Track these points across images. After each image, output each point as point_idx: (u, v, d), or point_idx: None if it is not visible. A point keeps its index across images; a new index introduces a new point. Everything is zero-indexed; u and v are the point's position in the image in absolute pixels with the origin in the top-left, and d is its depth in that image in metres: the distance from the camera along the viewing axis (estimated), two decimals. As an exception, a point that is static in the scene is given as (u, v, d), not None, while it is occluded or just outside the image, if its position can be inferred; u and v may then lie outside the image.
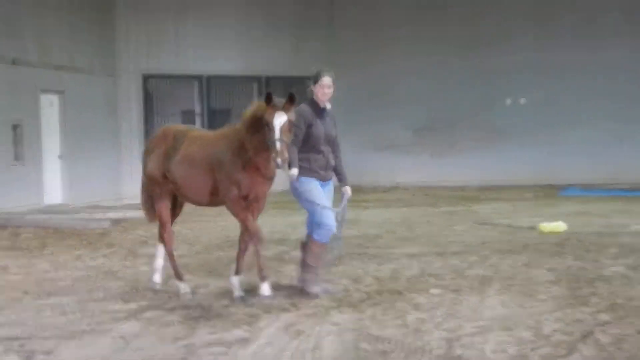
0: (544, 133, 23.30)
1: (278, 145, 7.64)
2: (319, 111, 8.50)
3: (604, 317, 7.32)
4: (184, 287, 8.71)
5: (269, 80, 23.60)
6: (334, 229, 8.47)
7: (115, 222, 15.78)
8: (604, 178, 22.54)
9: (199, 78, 22.99)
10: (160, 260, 9.11)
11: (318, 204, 8.26)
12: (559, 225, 13.43)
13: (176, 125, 10.03)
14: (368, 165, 23.49)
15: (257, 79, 23.59)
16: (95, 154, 20.65)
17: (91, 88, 20.68)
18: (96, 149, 20.75)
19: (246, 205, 8.21)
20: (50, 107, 19.47)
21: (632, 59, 22.95)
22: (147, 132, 22.27)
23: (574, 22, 23.31)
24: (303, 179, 8.27)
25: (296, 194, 8.42)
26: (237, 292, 8.31)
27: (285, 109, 7.80)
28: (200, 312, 7.85)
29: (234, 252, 10.14)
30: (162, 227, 8.97)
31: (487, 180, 23.27)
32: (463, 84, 23.65)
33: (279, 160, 7.63)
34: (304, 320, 7.42)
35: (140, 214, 16.72)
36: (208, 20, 22.82)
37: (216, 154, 8.27)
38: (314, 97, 8.52)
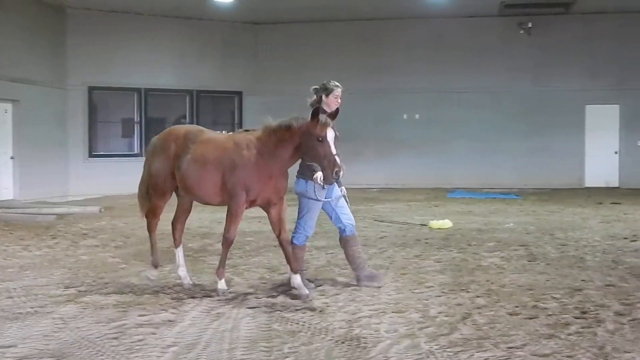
0: (435, 144, 23.64)
1: (338, 159, 7.26)
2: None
3: (481, 301, 7.41)
4: (152, 274, 8.31)
5: (199, 94, 23.51)
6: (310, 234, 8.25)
7: (60, 216, 15.41)
8: (484, 183, 22.98)
9: (138, 90, 22.64)
10: (181, 259, 8.34)
11: (320, 200, 7.90)
12: (446, 223, 13.57)
13: (185, 126, 9.02)
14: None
15: (189, 92, 23.40)
16: (44, 155, 20.21)
17: (43, 98, 20.25)
18: (46, 151, 20.31)
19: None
20: (4, 114, 18.99)
21: (508, 81, 23.42)
22: (91, 138, 21.96)
23: (461, 49, 23.64)
24: (310, 182, 7.82)
25: (299, 192, 7.95)
26: (304, 290, 7.53)
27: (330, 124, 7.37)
28: (133, 297, 7.69)
29: (166, 244, 10.02)
30: (151, 214, 8.29)
31: (387, 184, 23.50)
32: (367, 101, 23.78)
33: (341, 173, 7.19)
34: (224, 304, 7.34)
35: (81, 209, 16.67)
36: (148, 41, 22.55)
37: (229, 157, 7.62)
38: (324, 105, 8.13)
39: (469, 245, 11.26)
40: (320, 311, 7.02)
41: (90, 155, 22.00)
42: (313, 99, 8.29)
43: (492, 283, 8.29)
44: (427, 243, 11.50)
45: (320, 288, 8.07)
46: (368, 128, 23.82)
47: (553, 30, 23.24)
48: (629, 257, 10.06)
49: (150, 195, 8.28)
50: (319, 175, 7.59)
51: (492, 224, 13.97)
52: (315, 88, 8.38)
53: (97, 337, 6.20)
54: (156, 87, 22.85)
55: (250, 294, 7.82)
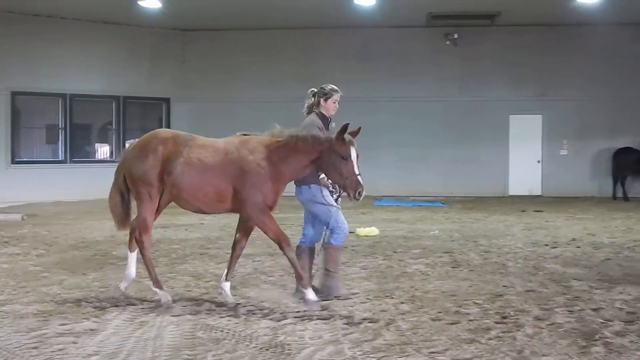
0: (362, 152, 23.57)
1: (360, 179, 7.21)
2: (326, 122, 8.07)
3: (405, 307, 7.49)
4: (164, 295, 7.66)
5: (126, 100, 23.23)
6: (348, 231, 8.13)
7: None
8: (411, 191, 23.27)
9: (63, 96, 22.22)
10: (133, 269, 7.95)
11: (332, 205, 7.84)
12: (373, 230, 13.69)
13: (170, 130, 8.26)
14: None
15: (115, 98, 23.10)
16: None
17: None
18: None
19: None
20: None
21: (435, 91, 23.79)
22: (14, 144, 21.49)
23: (390, 59, 23.91)
24: (314, 186, 7.80)
25: (308, 200, 7.89)
26: (231, 300, 7.62)
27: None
28: (54, 306, 7.54)
29: (88, 252, 9.86)
30: (143, 231, 7.66)
31: (315, 192, 23.52)
32: (296, 110, 23.74)
33: (362, 193, 7.18)
34: (148, 313, 7.26)
35: (4, 216, 16.26)
36: (74, 45, 22.19)
37: (237, 163, 7.35)
38: (322, 109, 8.13)
39: (395, 252, 11.38)
40: (245, 319, 7.00)
41: (13, 162, 21.50)
42: (311, 102, 8.24)
43: (416, 289, 8.40)
44: (353, 250, 11.56)
45: (246, 295, 8.05)
46: (297, 136, 23.85)
47: (478, 41, 23.70)
48: (549, 264, 10.30)
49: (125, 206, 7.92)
50: (322, 176, 7.68)
51: (418, 231, 14.14)
52: (314, 91, 8.29)
53: (16, 347, 6.06)
54: (82, 92, 22.48)
55: (176, 301, 7.73)
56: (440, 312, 7.22)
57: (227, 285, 7.76)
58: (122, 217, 7.98)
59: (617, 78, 23.39)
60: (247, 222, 7.67)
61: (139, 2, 19.81)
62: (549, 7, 20.86)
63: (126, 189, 7.87)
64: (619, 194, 22.56)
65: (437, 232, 13.97)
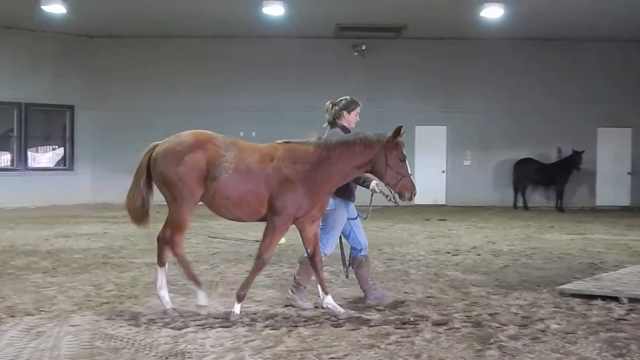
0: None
1: (413, 179, 7.29)
2: (347, 133, 7.98)
3: (307, 314, 7.55)
4: (203, 296, 7.50)
5: (28, 107, 22.67)
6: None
7: None
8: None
9: (-39, 102, 21.59)
10: (164, 286, 7.59)
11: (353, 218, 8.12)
12: (282, 239, 13.69)
13: (205, 131, 7.66)
14: (117, 186, 23.24)
15: (17, 105, 22.52)
16: None
17: None
18: None
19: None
20: None
21: (367, 106, 23.98)
22: None
23: (299, 69, 24.06)
24: (339, 201, 7.81)
25: (329, 209, 7.74)
26: (339, 310, 7.45)
27: None
28: (-54, 317, 7.30)
29: (7, 257, 9.57)
30: (178, 231, 7.39)
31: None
32: (205, 118, 23.72)
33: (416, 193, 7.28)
34: (46, 323, 7.09)
35: None
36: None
37: (281, 170, 7.19)
38: (343, 121, 8.12)
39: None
40: (145, 327, 6.92)
41: None
42: (332, 113, 8.16)
43: (319, 297, 8.43)
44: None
45: (148, 304, 7.96)
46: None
47: (385, 53, 24.10)
48: (450, 271, 10.54)
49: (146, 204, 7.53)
50: (375, 183, 7.81)
51: (324, 240, 14.22)
52: (333, 103, 8.23)
53: None
54: (-19, 98, 21.85)
55: (75, 311, 7.59)
56: (341, 319, 7.29)
57: (329, 299, 7.55)
58: (142, 218, 7.62)
59: (517, 91, 24.17)
60: (305, 230, 7.54)
61: (42, 7, 19.34)
62: (453, 21, 21.38)
63: (147, 191, 7.57)
64: (520, 203, 23.25)
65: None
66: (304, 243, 7.65)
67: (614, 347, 6.34)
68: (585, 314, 7.60)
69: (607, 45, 24.17)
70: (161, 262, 7.60)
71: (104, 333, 6.73)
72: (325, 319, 7.30)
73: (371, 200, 8.01)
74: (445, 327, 7.00)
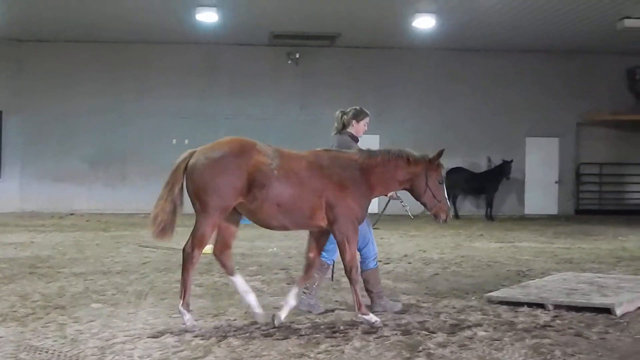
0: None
1: (449, 202, 7.26)
2: (356, 141, 8.24)
3: (238, 324, 7.52)
4: (190, 320, 7.20)
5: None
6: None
7: None
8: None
9: None
10: (249, 293, 7.48)
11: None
12: (210, 248, 13.58)
13: (244, 138, 7.38)
14: (46, 193, 23.05)
15: (-59, 110, 21.99)
16: None
17: None
18: None
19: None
20: None
21: (277, 109, 24.07)
22: None
23: (232, 76, 24.01)
24: None
25: None
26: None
27: None
28: None
29: None
30: (198, 246, 7.31)
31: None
32: (134, 124, 23.57)
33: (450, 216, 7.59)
34: (-32, 335, 6.92)
35: None
36: None
37: (333, 178, 7.21)
38: (352, 130, 8.28)
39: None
40: (72, 339, 6.81)
41: None
42: (341, 122, 8.32)
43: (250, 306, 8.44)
44: (190, 268, 11.47)
45: (75, 315, 7.83)
46: (134, 152, 23.55)
47: (319, 61, 24.25)
48: (382, 279, 10.57)
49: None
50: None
51: (257, 248, 14.23)
52: (343, 112, 8.37)
53: None
54: None
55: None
56: (272, 328, 7.29)
57: (292, 302, 7.52)
58: (169, 229, 7.39)
59: (448, 100, 24.60)
60: (321, 239, 7.58)
61: (-31, 11, 18.93)
62: (386, 30, 21.63)
63: (179, 199, 7.32)
64: (450, 212, 23.55)
65: (275, 249, 14.10)
66: (309, 247, 7.70)
67: (539, 353, 6.47)
68: (512, 321, 7.75)
69: (535, 55, 24.76)
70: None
71: (28, 345, 6.59)
72: (256, 328, 7.29)
73: (385, 207, 8.47)
74: (374, 336, 7.05)
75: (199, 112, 23.91)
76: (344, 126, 8.36)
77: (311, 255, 7.66)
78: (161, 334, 7.02)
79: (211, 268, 11.44)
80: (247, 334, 7.06)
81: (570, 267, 11.91)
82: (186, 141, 23.76)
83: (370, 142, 24.07)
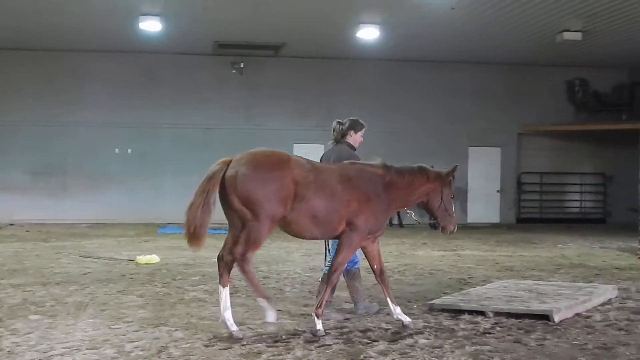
0: (147, 179, 23.56)
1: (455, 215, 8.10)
2: (353, 151, 8.66)
3: (179, 334, 7.46)
4: (271, 314, 7.40)
5: None
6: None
7: None
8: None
9: None
10: (228, 305, 7.46)
11: None
12: (153, 258, 13.52)
13: (282, 151, 7.70)
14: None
15: None
16: None
17: None
18: None
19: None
20: None
21: (221, 119, 23.99)
22: None
23: (175, 85, 23.86)
24: None
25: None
26: (406, 319, 7.95)
27: None
28: None
29: None
30: (253, 249, 7.36)
31: (97, 219, 22.94)
32: (73, 135, 23.24)
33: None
34: None
35: None
36: None
37: (362, 189, 7.57)
38: (349, 140, 8.63)
39: (174, 279, 11.32)
40: (8, 351, 6.67)
41: None
42: (339, 132, 8.62)
43: (192, 316, 8.40)
44: (132, 278, 11.37)
45: (12, 327, 7.67)
46: (76, 162, 23.25)
47: (264, 71, 24.26)
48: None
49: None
50: None
51: (200, 258, 14.10)
52: (340, 122, 8.66)
53: None
54: None
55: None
56: (213, 338, 7.25)
57: (399, 310, 8.00)
58: (203, 236, 7.44)
59: (393, 110, 24.78)
60: (374, 248, 8.03)
61: None
62: (331, 41, 21.73)
63: (214, 207, 7.37)
64: (395, 221, 23.70)
65: (218, 259, 14.00)
66: (369, 260, 8.07)
67: (478, 360, 6.56)
68: (453, 329, 7.83)
69: (478, 66, 25.14)
70: (224, 282, 7.54)
71: (-37, 359, 6.45)
72: (197, 338, 7.24)
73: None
74: (316, 345, 7.06)
75: (142, 122, 23.68)
76: (342, 136, 8.64)
77: (375, 266, 8.06)
78: (100, 345, 6.93)
79: (154, 278, 11.34)
80: (189, 344, 7.00)
81: (511, 275, 12.08)
82: (129, 150, 23.58)
83: (315, 151, 24.24)
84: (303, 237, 7.75)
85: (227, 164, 7.40)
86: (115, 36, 21.27)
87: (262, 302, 7.42)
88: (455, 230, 8.08)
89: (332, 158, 8.50)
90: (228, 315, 7.37)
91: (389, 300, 8.03)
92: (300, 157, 7.62)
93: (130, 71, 23.72)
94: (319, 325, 7.49)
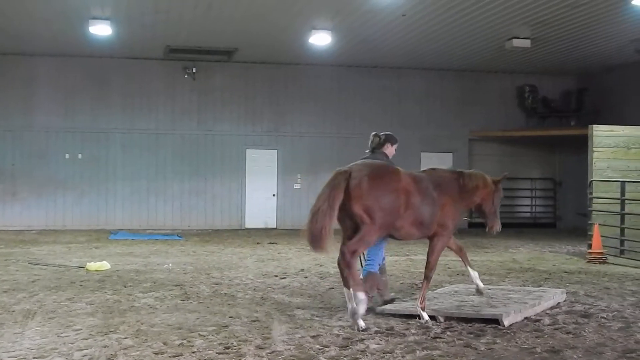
0: (98, 184, 23.26)
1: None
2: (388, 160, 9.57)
3: (129, 342, 7.38)
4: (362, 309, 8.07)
5: None
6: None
7: None
8: (148, 224, 23.12)
9: None
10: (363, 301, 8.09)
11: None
12: (104, 264, 13.36)
13: (386, 164, 8.96)
14: None
15: None
16: None
17: None
18: None
19: None
20: None
21: (173, 124, 23.82)
22: None
23: (126, 90, 23.63)
24: None
25: None
26: (482, 285, 9.33)
27: None
28: None
29: None
30: (363, 248, 8.40)
31: (47, 226, 22.61)
32: (20, 140, 22.86)
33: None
34: None
35: None
36: None
37: (449, 193, 8.67)
38: (386, 150, 9.66)
39: (125, 286, 11.19)
40: (-48, 361, 6.56)
41: None
42: (377, 143, 9.62)
43: (142, 323, 8.30)
44: (81, 285, 11.22)
45: None
46: (25, 167, 22.86)
47: (216, 76, 24.15)
48: (277, 294, 10.64)
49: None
50: None
51: (151, 264, 14.02)
52: (377, 134, 9.71)
53: None
54: None
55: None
56: (163, 345, 7.19)
57: (475, 275, 9.32)
58: (330, 240, 7.90)
59: (345, 115, 24.87)
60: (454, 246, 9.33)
61: None
62: (283, 46, 21.73)
63: (336, 214, 7.94)
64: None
65: (170, 265, 13.92)
66: (453, 249, 9.35)
67: (428, 364, 6.61)
68: (404, 333, 7.87)
69: (429, 73, 25.35)
70: (349, 285, 8.06)
71: None
72: (147, 346, 7.17)
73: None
74: (267, 351, 7.04)
75: (92, 127, 23.38)
76: (380, 147, 9.64)
77: (454, 247, 9.36)
78: (48, 354, 6.83)
79: (104, 285, 11.21)
80: (138, 352, 6.93)
81: (462, 280, 12.18)
82: (79, 156, 23.27)
83: (267, 157, 24.30)
84: (407, 240, 8.93)
85: (347, 174, 8.07)
86: (65, 40, 20.98)
87: (361, 295, 7.99)
88: (500, 229, 9.30)
89: None
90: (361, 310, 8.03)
91: (468, 268, 9.40)
92: (399, 168, 8.53)
93: (81, 76, 23.41)
94: (426, 316, 8.45)
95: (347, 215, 8.03)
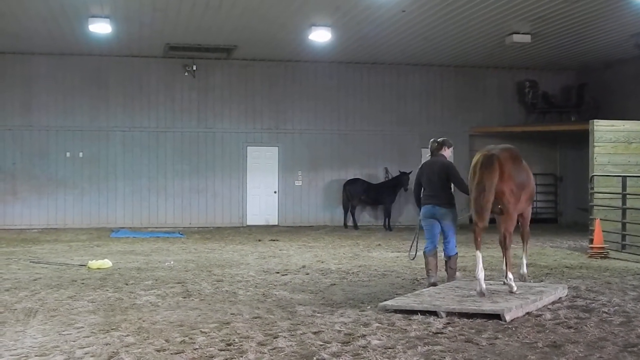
0: (99, 183, 23.22)
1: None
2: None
3: (130, 339, 7.39)
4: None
5: None
6: None
7: None
8: (149, 222, 23.11)
9: None
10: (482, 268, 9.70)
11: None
12: (105, 263, 13.36)
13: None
14: None
15: None
16: None
17: None
18: None
19: None
20: None
21: (173, 122, 23.79)
22: None
23: (126, 88, 23.63)
24: (453, 209, 11.34)
25: (453, 218, 11.42)
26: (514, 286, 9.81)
27: None
28: None
29: None
30: (511, 226, 9.88)
31: (48, 224, 22.60)
32: (21, 139, 22.84)
33: None
34: None
35: None
36: None
37: (528, 178, 9.99)
38: (444, 152, 11.07)
39: (126, 284, 11.20)
40: (-46, 360, 6.57)
41: None
42: (436, 147, 11.04)
43: (144, 321, 8.32)
44: (83, 284, 11.23)
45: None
46: (26, 166, 22.84)
47: (216, 73, 24.10)
48: (278, 290, 10.64)
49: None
50: None
51: (153, 262, 14.02)
52: (436, 140, 11.12)
53: None
54: None
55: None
56: (165, 343, 7.21)
57: (510, 276, 9.88)
58: (489, 213, 9.51)
59: (345, 113, 24.81)
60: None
61: None
62: (283, 43, 21.68)
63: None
64: (350, 222, 23.78)
65: (172, 263, 13.92)
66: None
67: (430, 360, 6.61)
68: (405, 329, 7.88)
69: (429, 69, 25.29)
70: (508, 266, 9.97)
71: None
72: (149, 344, 7.17)
73: (416, 236, 11.70)
74: (269, 347, 7.06)
75: (93, 126, 23.35)
76: (438, 150, 11.03)
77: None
78: (50, 352, 6.85)
79: (105, 283, 11.22)
80: (140, 350, 6.95)
81: (463, 275, 12.19)
82: (80, 154, 23.26)
83: (268, 154, 24.29)
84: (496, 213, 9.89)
85: (493, 157, 9.50)
86: (65, 38, 20.94)
87: (511, 275, 9.75)
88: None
89: (436, 166, 10.89)
90: (481, 275, 9.45)
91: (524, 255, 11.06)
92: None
93: (81, 74, 23.38)
94: (514, 285, 9.72)
95: (495, 196, 9.41)
